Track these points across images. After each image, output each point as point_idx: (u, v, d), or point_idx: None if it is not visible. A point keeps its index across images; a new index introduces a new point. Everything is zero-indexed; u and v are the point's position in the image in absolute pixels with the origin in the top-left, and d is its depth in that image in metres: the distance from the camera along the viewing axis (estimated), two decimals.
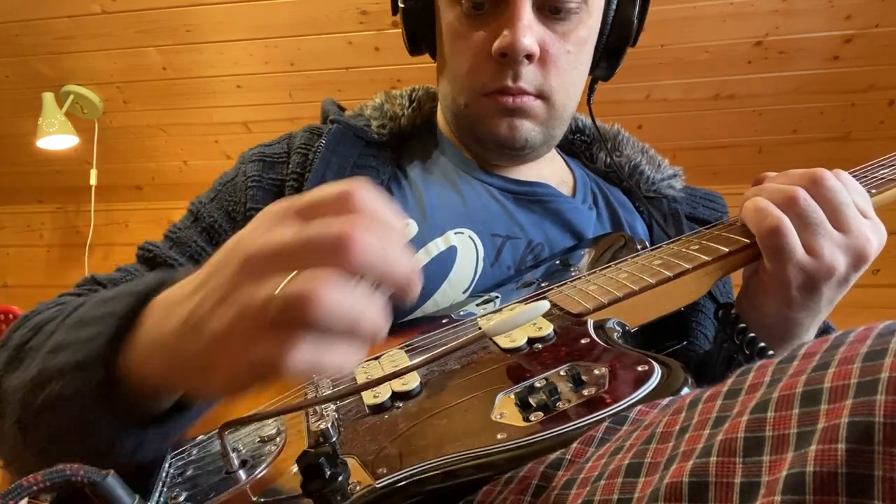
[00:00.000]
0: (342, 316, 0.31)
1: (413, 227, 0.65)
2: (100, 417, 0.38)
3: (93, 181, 2.80)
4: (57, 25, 2.28)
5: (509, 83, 0.63)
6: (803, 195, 0.49)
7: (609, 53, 0.70)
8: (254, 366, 0.32)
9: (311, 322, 0.31)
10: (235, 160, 0.72)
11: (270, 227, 0.34)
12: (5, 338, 0.52)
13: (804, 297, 0.51)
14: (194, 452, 0.45)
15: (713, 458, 0.22)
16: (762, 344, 0.50)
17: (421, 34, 0.71)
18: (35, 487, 0.26)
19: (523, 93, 0.63)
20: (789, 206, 0.49)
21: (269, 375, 0.32)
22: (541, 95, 0.65)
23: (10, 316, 2.27)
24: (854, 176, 0.57)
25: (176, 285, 0.40)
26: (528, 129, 0.66)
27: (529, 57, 0.61)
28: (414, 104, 0.76)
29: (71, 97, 2.51)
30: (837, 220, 0.49)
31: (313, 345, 0.31)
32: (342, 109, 0.80)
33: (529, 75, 0.63)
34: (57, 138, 2.52)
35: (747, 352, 0.50)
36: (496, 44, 0.61)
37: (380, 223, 0.33)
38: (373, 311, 0.32)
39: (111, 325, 0.39)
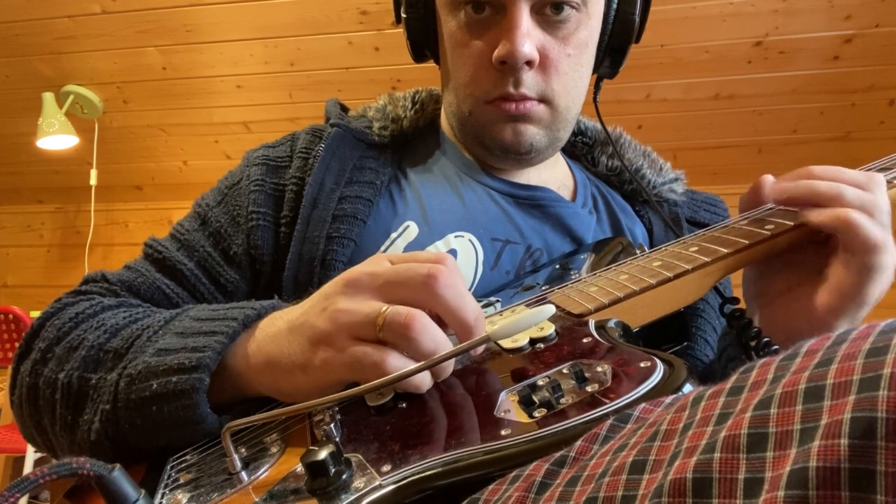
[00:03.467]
0: (427, 340, 0.41)
1: (413, 230, 0.66)
2: (196, 413, 0.44)
3: (93, 181, 2.81)
4: (57, 25, 2.28)
5: (511, 90, 0.63)
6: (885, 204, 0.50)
7: (613, 51, 0.70)
8: (351, 365, 0.41)
9: (407, 338, 0.40)
10: (235, 160, 0.72)
11: (370, 263, 0.45)
12: (34, 332, 0.55)
13: (864, 290, 0.50)
14: (196, 455, 0.45)
15: (717, 455, 0.22)
16: (776, 346, 0.49)
17: (424, 42, 0.72)
18: (42, 480, 0.26)
19: (526, 98, 0.64)
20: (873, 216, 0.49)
21: (360, 376, 0.41)
22: (543, 100, 0.65)
23: (10, 316, 2.27)
24: None
25: (278, 310, 0.49)
26: (532, 133, 0.66)
27: (529, 63, 0.62)
28: (417, 106, 0.76)
29: (71, 97, 2.51)
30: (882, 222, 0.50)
31: (401, 359, 0.41)
32: (346, 110, 0.80)
33: (531, 81, 0.63)
34: (57, 138, 2.52)
35: (761, 355, 0.50)
36: (496, 53, 0.61)
37: (457, 272, 0.44)
38: (448, 346, 0.42)
39: (221, 340, 0.46)
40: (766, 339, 0.49)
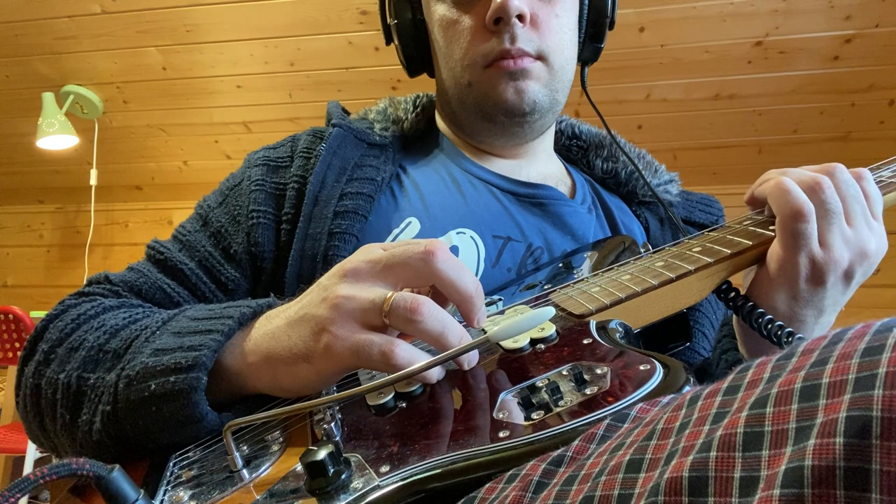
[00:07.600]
0: (435, 323, 0.41)
1: (415, 226, 0.66)
2: (195, 412, 0.44)
3: (93, 181, 2.81)
4: (57, 25, 2.29)
5: (508, 45, 0.65)
6: (828, 182, 0.50)
7: (590, 36, 0.75)
8: (357, 352, 0.41)
9: (414, 322, 0.40)
10: (235, 160, 0.73)
11: (363, 252, 0.45)
12: (38, 335, 0.56)
13: (810, 292, 0.51)
14: (198, 452, 0.45)
15: (713, 453, 0.22)
16: (780, 323, 0.49)
17: (417, 55, 0.75)
18: (42, 480, 0.26)
19: (524, 54, 0.65)
20: (814, 191, 0.49)
21: (366, 363, 0.41)
22: (540, 57, 0.67)
23: (10, 316, 2.27)
24: None
25: (274, 308, 0.49)
26: (534, 90, 0.67)
27: (521, 18, 0.64)
28: (418, 109, 0.78)
29: (71, 97, 2.51)
30: (847, 214, 0.50)
31: (409, 349, 0.41)
32: (347, 113, 0.81)
33: (525, 36, 0.65)
34: (57, 138, 2.53)
35: (764, 333, 0.49)
36: (489, 12, 0.64)
37: (448, 251, 0.44)
38: (455, 328, 0.42)
39: (217, 339, 0.46)
40: (779, 324, 0.49)
